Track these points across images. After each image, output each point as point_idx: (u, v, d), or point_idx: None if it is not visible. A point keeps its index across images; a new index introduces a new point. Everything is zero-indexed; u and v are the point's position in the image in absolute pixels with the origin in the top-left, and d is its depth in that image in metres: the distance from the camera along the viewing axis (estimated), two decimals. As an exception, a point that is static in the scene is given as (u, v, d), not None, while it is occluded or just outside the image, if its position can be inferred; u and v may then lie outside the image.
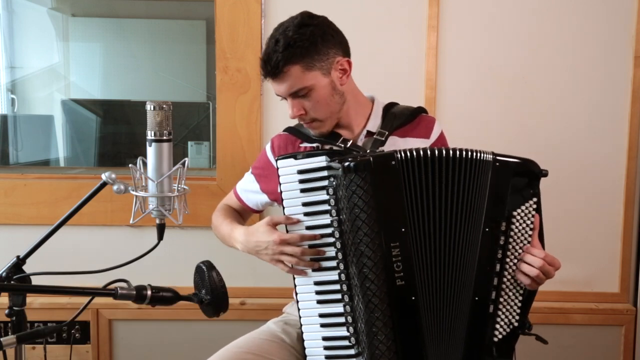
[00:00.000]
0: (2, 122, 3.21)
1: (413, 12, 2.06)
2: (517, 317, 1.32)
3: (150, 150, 1.14)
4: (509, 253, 1.30)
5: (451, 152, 1.29)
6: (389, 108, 1.58)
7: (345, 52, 1.48)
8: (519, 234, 1.30)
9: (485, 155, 1.30)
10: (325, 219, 1.31)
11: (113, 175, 1.15)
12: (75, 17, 3.64)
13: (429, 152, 1.28)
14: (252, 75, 2.07)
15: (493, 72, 2.08)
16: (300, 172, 1.33)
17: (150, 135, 1.14)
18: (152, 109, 1.13)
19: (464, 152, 1.29)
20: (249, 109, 2.08)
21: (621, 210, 2.13)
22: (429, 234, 1.28)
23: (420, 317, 1.27)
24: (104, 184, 1.15)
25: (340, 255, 1.30)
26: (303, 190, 1.33)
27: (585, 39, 2.07)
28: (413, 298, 1.26)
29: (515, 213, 1.29)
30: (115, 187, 1.14)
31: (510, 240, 1.30)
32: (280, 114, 2.08)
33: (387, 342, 1.26)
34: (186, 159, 1.17)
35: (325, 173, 1.31)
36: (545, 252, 1.30)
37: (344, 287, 1.31)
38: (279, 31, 1.41)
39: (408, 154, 1.27)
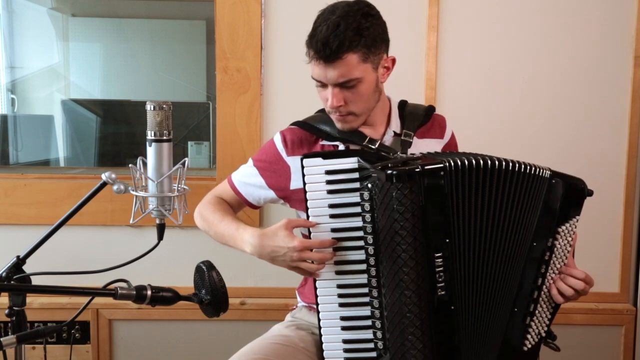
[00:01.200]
0: (2, 122, 3.21)
1: (413, 12, 2.06)
2: (545, 328, 1.36)
3: (150, 150, 1.14)
4: (549, 268, 1.32)
5: (509, 164, 1.27)
6: (403, 106, 1.56)
7: (388, 49, 1.45)
8: (561, 250, 1.32)
9: (543, 171, 1.30)
10: (355, 222, 1.27)
11: (113, 175, 1.15)
12: (75, 17, 3.63)
13: (481, 163, 1.25)
14: (252, 75, 2.07)
15: (493, 72, 2.08)
16: (329, 172, 1.28)
17: (150, 135, 1.13)
18: (152, 109, 1.13)
19: (522, 166, 1.28)
20: (249, 109, 2.08)
21: (621, 210, 2.13)
22: (474, 245, 1.26)
23: (457, 326, 1.26)
24: (104, 184, 1.15)
25: (372, 261, 1.26)
26: (331, 192, 1.28)
27: (586, 39, 2.07)
28: (452, 308, 1.25)
29: (560, 230, 1.31)
30: (115, 187, 1.14)
31: (553, 256, 1.32)
32: (280, 114, 2.08)
33: (424, 350, 1.24)
34: (186, 159, 1.17)
35: (356, 175, 1.27)
36: (584, 272, 1.32)
37: (374, 293, 1.27)
38: (336, 15, 1.32)
39: (458, 163, 1.24)
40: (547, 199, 1.30)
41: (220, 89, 2.09)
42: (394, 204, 1.19)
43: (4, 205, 2.13)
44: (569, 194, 1.31)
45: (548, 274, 1.32)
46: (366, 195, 1.24)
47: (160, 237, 1.18)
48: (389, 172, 1.18)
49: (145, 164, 1.15)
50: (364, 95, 1.38)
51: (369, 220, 1.25)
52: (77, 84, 3.66)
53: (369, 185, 1.24)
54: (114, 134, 3.37)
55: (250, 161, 1.56)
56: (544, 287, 1.32)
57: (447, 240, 1.23)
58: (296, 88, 2.07)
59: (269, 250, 1.30)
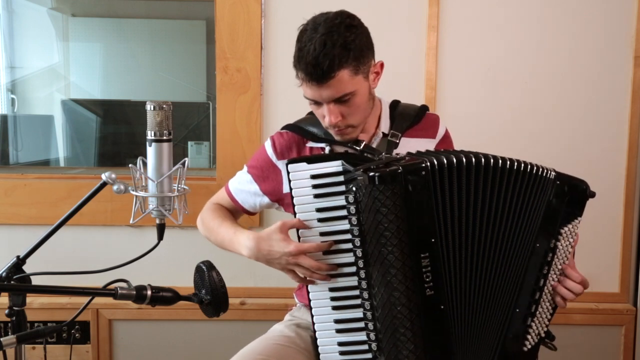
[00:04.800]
0: (2, 122, 3.21)
1: (413, 12, 2.06)
2: (545, 329, 1.36)
3: (150, 150, 1.14)
4: (551, 269, 1.32)
5: (508, 164, 1.26)
6: (394, 107, 1.55)
7: (374, 54, 1.43)
8: (563, 251, 1.32)
9: (549, 172, 1.29)
10: (342, 225, 1.26)
11: (113, 175, 1.15)
12: (75, 17, 3.63)
13: (463, 161, 1.24)
14: (252, 75, 2.07)
15: (493, 71, 2.08)
16: (314, 176, 1.28)
17: (150, 135, 1.13)
18: (152, 109, 1.13)
19: (526, 167, 1.28)
20: (249, 109, 2.08)
21: (621, 210, 2.13)
22: (465, 245, 1.25)
23: (449, 325, 1.26)
24: (104, 184, 1.15)
25: (361, 264, 1.25)
26: (317, 196, 1.27)
27: (586, 39, 2.07)
28: (442, 307, 1.24)
29: (562, 231, 1.31)
30: (115, 187, 1.14)
31: (555, 257, 1.32)
32: (280, 114, 2.08)
33: (415, 350, 1.24)
34: (186, 159, 1.17)
35: (341, 178, 1.26)
36: (581, 275, 1.32)
37: (365, 295, 1.27)
38: (320, 32, 1.30)
39: (443, 162, 1.22)
40: (551, 200, 1.29)
41: (220, 89, 2.09)
42: (378, 206, 1.19)
43: (4, 205, 2.13)
44: (572, 195, 1.30)
45: (550, 274, 1.32)
46: (351, 198, 1.24)
47: (160, 237, 1.18)
48: (371, 174, 1.18)
49: (145, 164, 1.15)
50: (359, 107, 1.38)
51: (356, 223, 1.24)
52: (77, 84, 3.66)
53: (354, 188, 1.23)
54: (114, 134, 3.37)
55: (245, 167, 1.57)
56: (546, 287, 1.32)
57: (433, 240, 1.22)
58: (296, 88, 2.06)
59: (264, 252, 1.31)
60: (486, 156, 1.27)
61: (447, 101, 2.09)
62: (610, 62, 2.08)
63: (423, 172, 1.20)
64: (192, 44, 3.60)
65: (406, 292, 1.22)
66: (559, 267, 1.32)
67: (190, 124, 3.15)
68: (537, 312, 1.33)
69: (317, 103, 1.38)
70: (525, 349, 1.33)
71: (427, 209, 1.21)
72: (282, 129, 1.55)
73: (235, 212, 1.60)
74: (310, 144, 1.50)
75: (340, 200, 1.25)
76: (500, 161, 1.26)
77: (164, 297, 1.11)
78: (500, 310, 1.31)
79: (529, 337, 1.33)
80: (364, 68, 1.35)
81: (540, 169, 1.29)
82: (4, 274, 1.10)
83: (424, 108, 1.58)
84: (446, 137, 1.59)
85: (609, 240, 2.14)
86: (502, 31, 2.07)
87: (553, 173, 1.30)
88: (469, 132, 2.08)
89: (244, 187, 1.56)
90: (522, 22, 2.07)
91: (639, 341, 2.15)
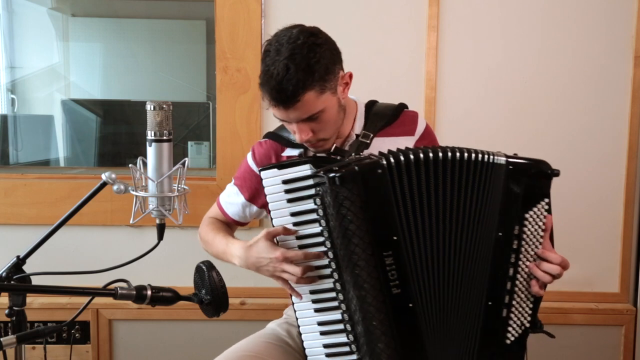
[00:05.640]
0: (2, 122, 3.22)
1: (413, 12, 2.06)
2: (528, 319, 1.32)
3: (150, 150, 1.14)
4: (521, 256, 1.29)
5: (457, 154, 1.25)
6: (370, 107, 1.54)
7: (342, 64, 1.40)
8: (532, 237, 1.29)
9: (497, 157, 1.27)
10: (315, 228, 1.28)
11: (113, 175, 1.15)
12: (75, 17, 3.64)
13: (421, 156, 1.23)
14: (252, 75, 2.06)
15: (493, 72, 2.08)
16: (285, 182, 1.29)
17: (150, 135, 1.14)
18: (152, 109, 1.13)
19: (472, 154, 1.26)
20: (249, 109, 2.08)
21: (621, 210, 2.13)
22: (427, 240, 1.25)
23: (420, 323, 1.25)
24: (104, 184, 1.15)
25: (333, 265, 1.27)
26: (290, 200, 1.29)
27: (586, 39, 2.07)
28: (410, 305, 1.24)
29: (527, 215, 1.27)
30: (115, 187, 1.14)
31: (523, 243, 1.28)
32: (280, 114, 2.08)
33: (387, 350, 1.24)
34: (186, 159, 1.17)
35: (310, 182, 1.27)
36: (560, 256, 1.28)
37: (340, 296, 1.28)
38: (283, 56, 1.28)
39: (400, 158, 1.23)
40: (507, 185, 1.27)
41: (220, 89, 2.09)
42: (338, 206, 1.20)
43: (4, 205, 2.13)
44: (532, 178, 1.28)
45: (521, 262, 1.29)
46: (318, 200, 1.26)
47: (160, 237, 1.18)
48: (331, 175, 1.20)
49: (145, 164, 1.15)
50: (329, 121, 1.37)
51: (324, 224, 1.26)
52: (77, 84, 3.66)
53: (320, 191, 1.25)
54: (114, 134, 3.37)
55: (232, 180, 1.60)
56: (518, 276, 1.29)
57: (395, 238, 1.22)
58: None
59: (253, 260, 1.34)
60: (434, 149, 1.26)
61: (447, 101, 2.09)
62: (610, 62, 2.08)
63: (379, 170, 1.21)
64: (192, 44, 3.60)
65: (372, 292, 1.22)
66: (531, 253, 1.29)
67: (190, 124, 3.15)
68: (514, 303, 1.30)
69: (287, 122, 1.39)
70: (508, 341, 1.31)
71: (386, 207, 1.22)
72: (263, 137, 1.56)
73: (229, 225, 1.62)
74: (286, 152, 1.51)
75: (311, 204, 1.27)
76: (449, 152, 1.25)
77: (164, 297, 1.11)
78: (471, 304, 1.29)
79: (510, 329, 1.30)
80: (331, 84, 1.34)
81: (488, 155, 1.27)
82: (4, 274, 1.10)
83: (400, 106, 1.55)
84: (427, 133, 1.55)
85: (609, 240, 2.14)
86: (502, 31, 2.07)
87: (502, 158, 1.27)
88: (469, 132, 2.08)
89: (232, 199, 1.58)
90: (522, 23, 2.07)
91: (639, 341, 2.15)
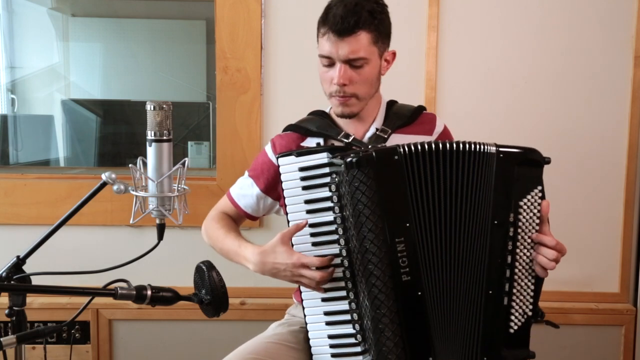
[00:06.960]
0: (2, 122, 3.22)
1: (413, 12, 2.06)
2: (530, 307, 1.32)
3: (150, 150, 1.14)
4: (518, 244, 1.30)
5: (454, 145, 1.28)
6: (391, 106, 1.58)
7: (390, 44, 1.50)
8: (527, 224, 1.30)
9: (488, 147, 1.30)
10: (328, 216, 1.30)
11: (113, 175, 1.15)
12: (75, 17, 3.64)
13: (432, 146, 1.27)
14: (252, 75, 2.07)
15: (493, 71, 2.08)
16: (302, 169, 1.32)
17: (150, 135, 1.14)
18: (152, 109, 1.13)
19: (467, 145, 1.29)
20: (249, 109, 2.08)
21: (621, 210, 2.13)
22: (434, 229, 1.27)
23: (427, 312, 1.26)
24: (104, 184, 1.15)
25: (344, 252, 1.29)
26: (305, 188, 1.32)
27: (586, 39, 2.07)
28: (419, 293, 1.25)
29: (521, 203, 1.29)
30: (115, 187, 1.14)
31: (519, 230, 1.30)
32: (280, 114, 2.08)
33: (394, 338, 1.25)
34: (186, 159, 1.17)
35: (327, 170, 1.30)
36: (555, 240, 1.29)
37: (349, 285, 1.30)
38: None
39: (412, 147, 1.26)
40: (499, 174, 1.29)
41: (220, 89, 2.09)
42: (353, 191, 1.23)
43: (4, 205, 2.13)
44: (523, 166, 1.30)
45: (518, 250, 1.30)
46: (334, 187, 1.28)
47: (160, 237, 1.18)
48: (348, 160, 1.22)
49: (145, 164, 1.15)
50: (368, 78, 1.43)
51: (338, 211, 1.28)
52: (77, 84, 3.66)
53: (336, 178, 1.27)
54: (114, 134, 3.37)
55: (246, 173, 1.61)
56: (517, 264, 1.30)
57: (408, 225, 1.24)
58: (296, 88, 2.07)
59: (269, 267, 1.35)
60: (443, 141, 1.30)
61: (447, 101, 2.09)
62: (610, 62, 2.08)
63: (396, 157, 1.24)
64: (192, 44, 3.61)
65: (382, 278, 1.23)
66: (528, 240, 1.30)
67: (190, 124, 3.16)
68: (514, 291, 1.31)
69: (330, 65, 1.42)
70: (511, 330, 1.31)
71: (400, 194, 1.24)
72: (283, 130, 1.59)
73: (237, 219, 1.63)
74: (306, 142, 1.53)
75: (326, 192, 1.30)
76: (447, 144, 1.28)
77: (164, 297, 1.11)
78: (474, 293, 1.30)
79: (512, 317, 1.31)
80: (381, 45, 1.43)
81: (479, 145, 1.29)
82: (4, 274, 1.10)
83: (420, 108, 1.60)
84: (445, 133, 1.60)
85: (609, 240, 2.14)
86: (502, 31, 2.07)
87: (493, 147, 1.30)
88: (469, 132, 2.07)
89: (246, 191, 1.59)
90: (522, 22, 2.07)
91: (639, 341, 2.15)
